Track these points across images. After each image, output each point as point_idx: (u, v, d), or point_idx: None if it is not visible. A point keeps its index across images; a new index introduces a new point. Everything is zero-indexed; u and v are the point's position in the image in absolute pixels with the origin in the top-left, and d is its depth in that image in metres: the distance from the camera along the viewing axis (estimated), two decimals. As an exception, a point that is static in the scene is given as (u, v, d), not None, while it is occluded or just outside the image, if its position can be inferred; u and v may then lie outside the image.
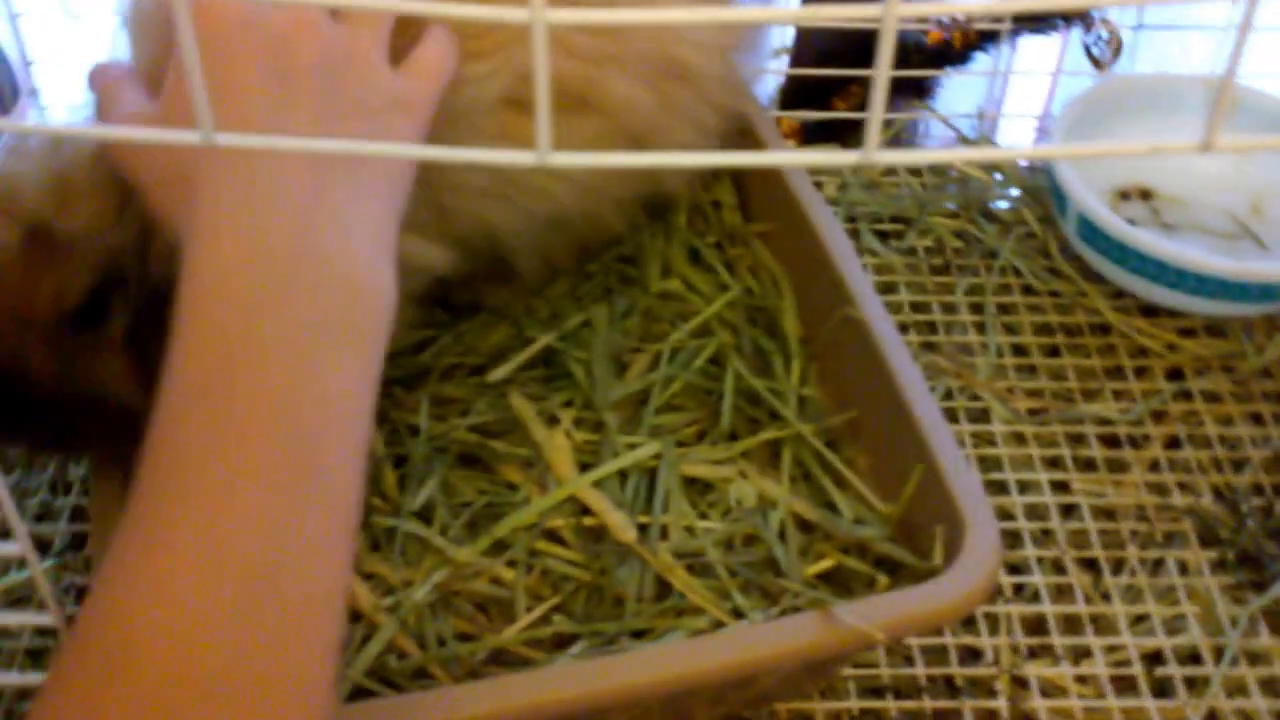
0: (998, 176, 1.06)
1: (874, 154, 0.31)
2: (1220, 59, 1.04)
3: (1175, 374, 0.93)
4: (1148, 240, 0.88)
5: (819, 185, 1.07)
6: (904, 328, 0.95)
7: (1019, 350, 0.95)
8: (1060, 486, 0.86)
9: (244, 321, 0.48)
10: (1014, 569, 0.82)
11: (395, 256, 0.55)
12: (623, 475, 0.77)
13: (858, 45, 1.10)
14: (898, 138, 1.11)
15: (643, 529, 0.74)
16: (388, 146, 0.59)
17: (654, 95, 0.75)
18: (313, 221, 0.51)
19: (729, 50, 0.81)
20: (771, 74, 1.13)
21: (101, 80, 0.63)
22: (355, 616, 0.71)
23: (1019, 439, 0.89)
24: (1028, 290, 0.99)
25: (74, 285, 0.61)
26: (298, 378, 0.48)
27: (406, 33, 0.63)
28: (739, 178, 0.90)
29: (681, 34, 0.78)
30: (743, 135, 0.88)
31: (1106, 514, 0.85)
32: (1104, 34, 1.06)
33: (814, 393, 0.81)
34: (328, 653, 0.47)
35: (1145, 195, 1.01)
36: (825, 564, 0.71)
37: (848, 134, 1.12)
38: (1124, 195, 1.02)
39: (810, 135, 1.15)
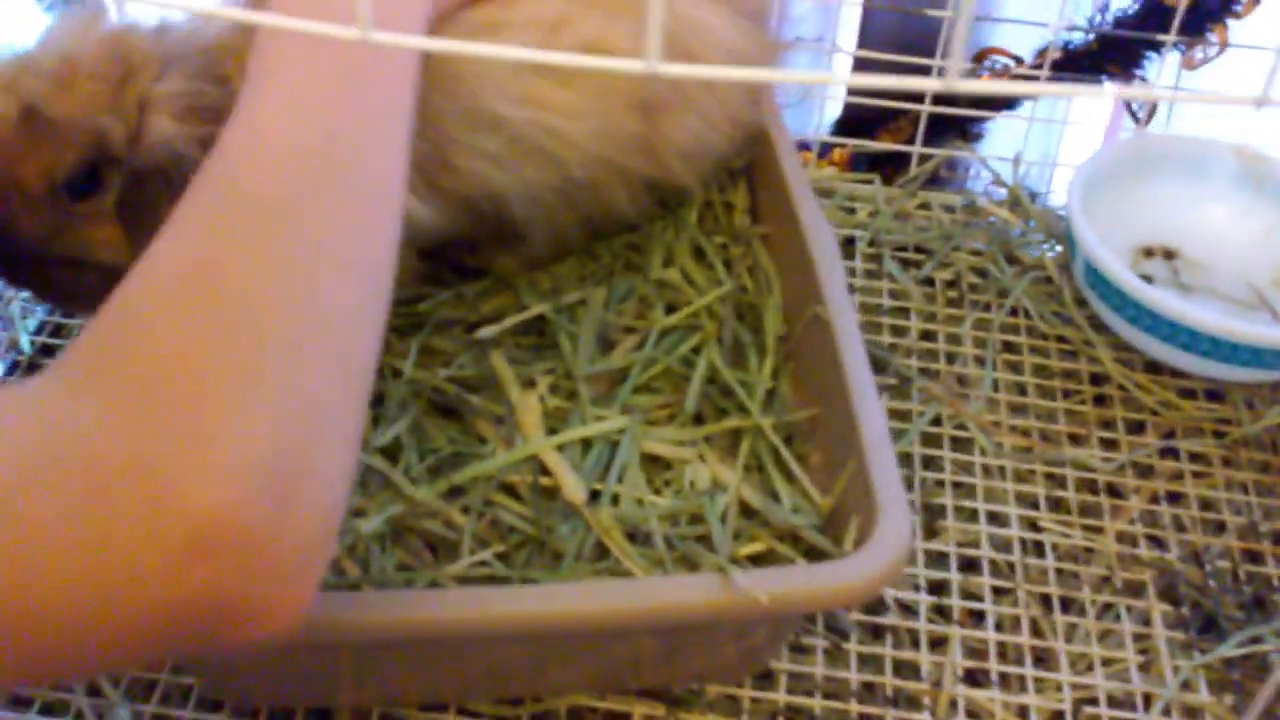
0: (1034, 228, 1.08)
1: (657, 65, 0.35)
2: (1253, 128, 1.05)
3: (1168, 433, 0.94)
4: (1145, 291, 0.90)
5: (851, 210, 1.11)
6: (907, 353, 0.98)
7: (1015, 388, 0.97)
8: (1030, 524, 0.88)
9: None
10: (968, 595, 0.84)
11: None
12: (587, 444, 0.81)
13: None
14: (936, 174, 1.14)
15: (595, 495, 0.78)
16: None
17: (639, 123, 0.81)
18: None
19: (747, 54, 0.85)
20: (823, 100, 1.16)
21: None
22: (309, 536, 0.76)
23: (998, 473, 0.91)
24: (1034, 332, 1.00)
25: (62, 161, 0.69)
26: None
27: None
28: (752, 182, 0.94)
29: (704, 38, 0.82)
30: (758, 143, 0.92)
31: (1070, 555, 0.86)
32: (1144, 91, 1.08)
33: (784, 389, 0.84)
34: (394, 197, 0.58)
35: (1169, 255, 1.02)
36: (756, 547, 0.74)
37: (892, 167, 1.15)
38: (1148, 253, 1.03)
39: (857, 164, 1.19)
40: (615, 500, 0.78)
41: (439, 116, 0.77)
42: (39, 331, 1.00)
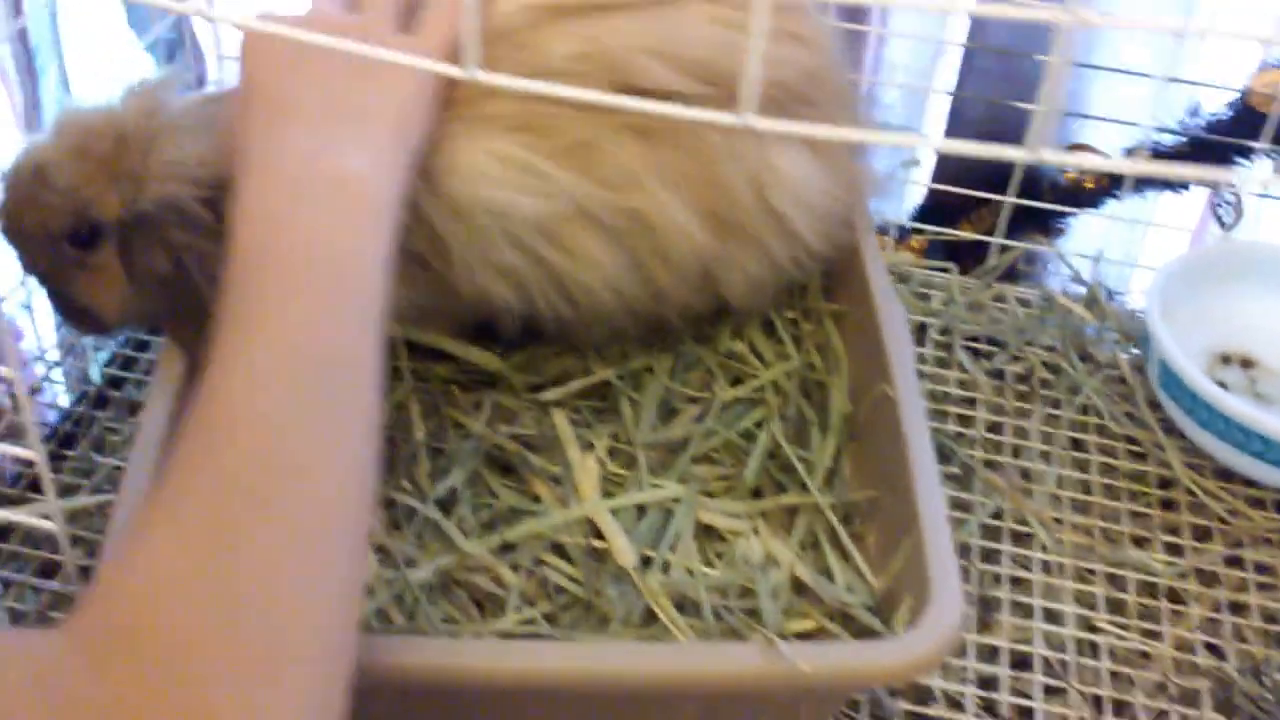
0: (1110, 327, 1.11)
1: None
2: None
3: (1235, 542, 0.95)
4: (1220, 397, 0.92)
5: (925, 297, 1.13)
6: (972, 444, 1.00)
7: (1080, 486, 0.98)
8: (1086, 624, 0.89)
9: (268, 222, 0.69)
10: (1019, 692, 0.86)
11: (400, 171, 0.74)
12: (642, 511, 0.84)
13: (996, 172, 1.16)
14: (1013, 268, 1.17)
15: (646, 562, 0.81)
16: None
17: (709, 235, 0.85)
18: (317, 150, 0.71)
19: (828, 204, 0.89)
20: (908, 185, 1.20)
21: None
22: (361, 581, 0.79)
23: (1057, 570, 0.92)
24: (1103, 431, 1.02)
25: (53, 221, 0.82)
26: (316, 239, 0.67)
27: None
28: (827, 260, 0.97)
29: (781, 184, 0.86)
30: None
31: (1126, 659, 0.88)
32: (1229, 197, 1.10)
33: (845, 469, 0.86)
34: (370, 430, 0.64)
35: (1246, 364, 1.04)
36: (806, 624, 0.77)
37: (969, 257, 1.18)
38: (1225, 359, 1.05)
39: (934, 253, 1.22)
40: (666, 568, 0.80)
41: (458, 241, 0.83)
42: (110, 364, 1.05)
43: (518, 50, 0.81)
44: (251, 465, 0.59)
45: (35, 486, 0.95)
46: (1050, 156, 0.43)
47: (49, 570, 0.90)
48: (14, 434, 0.99)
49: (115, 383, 1.04)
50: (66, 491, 0.95)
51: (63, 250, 0.83)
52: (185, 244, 0.80)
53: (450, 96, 0.80)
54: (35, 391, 1.02)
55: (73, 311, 0.87)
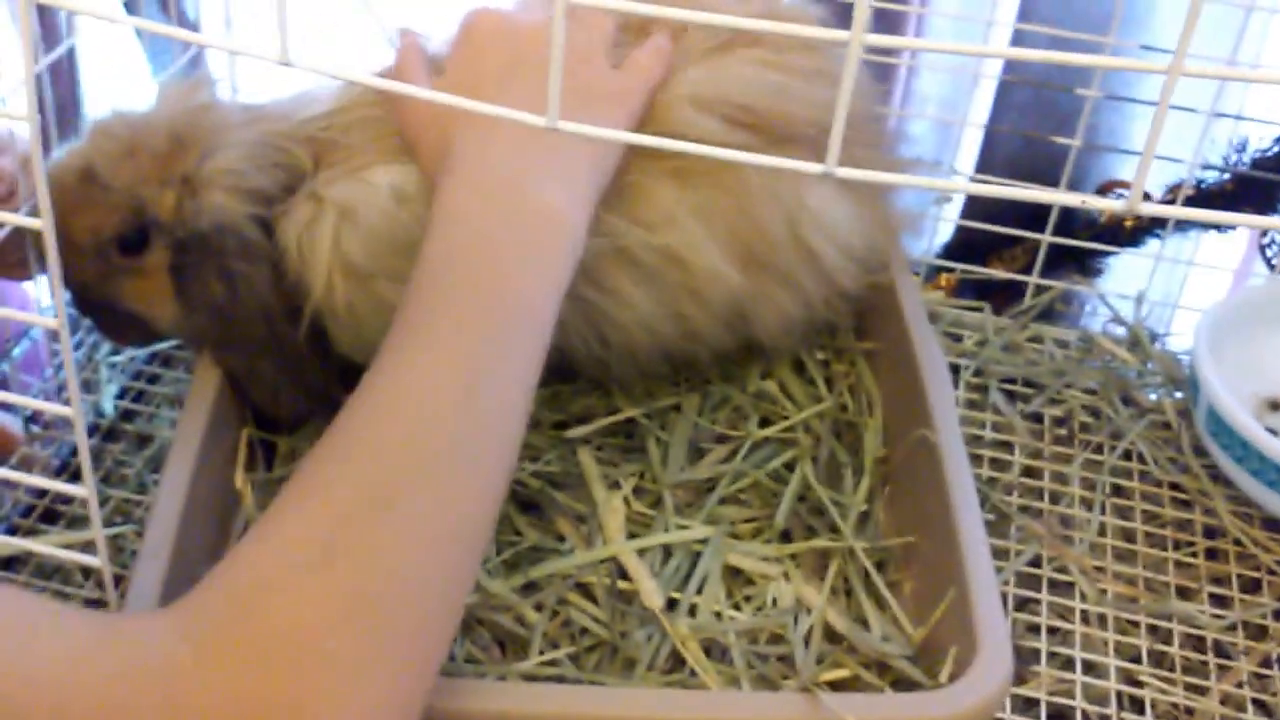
0: (1153, 370, 1.09)
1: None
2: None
3: (1285, 593, 0.93)
4: (1272, 444, 0.90)
5: (958, 338, 1.12)
6: (1007, 489, 0.99)
7: (1123, 535, 0.97)
8: (1129, 677, 0.88)
9: (466, 228, 0.71)
10: (1058, 747, 0.84)
11: (590, 209, 0.76)
12: (668, 552, 0.83)
13: (1028, 209, 1.16)
14: (1050, 307, 1.15)
15: (672, 604, 0.79)
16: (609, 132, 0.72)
17: (742, 274, 0.86)
18: (522, 174, 0.73)
19: (860, 243, 0.90)
20: (939, 221, 1.19)
21: (407, 44, 0.85)
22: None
23: (1098, 620, 0.91)
24: (1147, 478, 1.01)
25: (108, 222, 0.82)
26: (506, 270, 0.70)
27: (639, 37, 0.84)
28: (860, 299, 0.97)
29: (819, 226, 0.87)
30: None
31: (1170, 714, 0.86)
32: (1278, 236, 1.09)
33: (879, 513, 0.85)
34: (508, 462, 0.67)
35: (1295, 409, 1.03)
36: (841, 673, 0.75)
37: (1001, 296, 1.17)
38: (1274, 405, 1.03)
39: (966, 292, 1.21)
40: (693, 611, 0.79)
41: None
42: (121, 396, 1.04)
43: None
44: (389, 469, 0.62)
45: (48, 517, 0.94)
46: (1095, 202, 0.42)
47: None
48: (25, 466, 0.98)
49: (127, 416, 1.03)
50: (75, 524, 0.94)
51: (110, 256, 0.83)
52: (241, 272, 0.81)
53: None
54: (48, 426, 1.01)
55: (118, 323, 0.87)
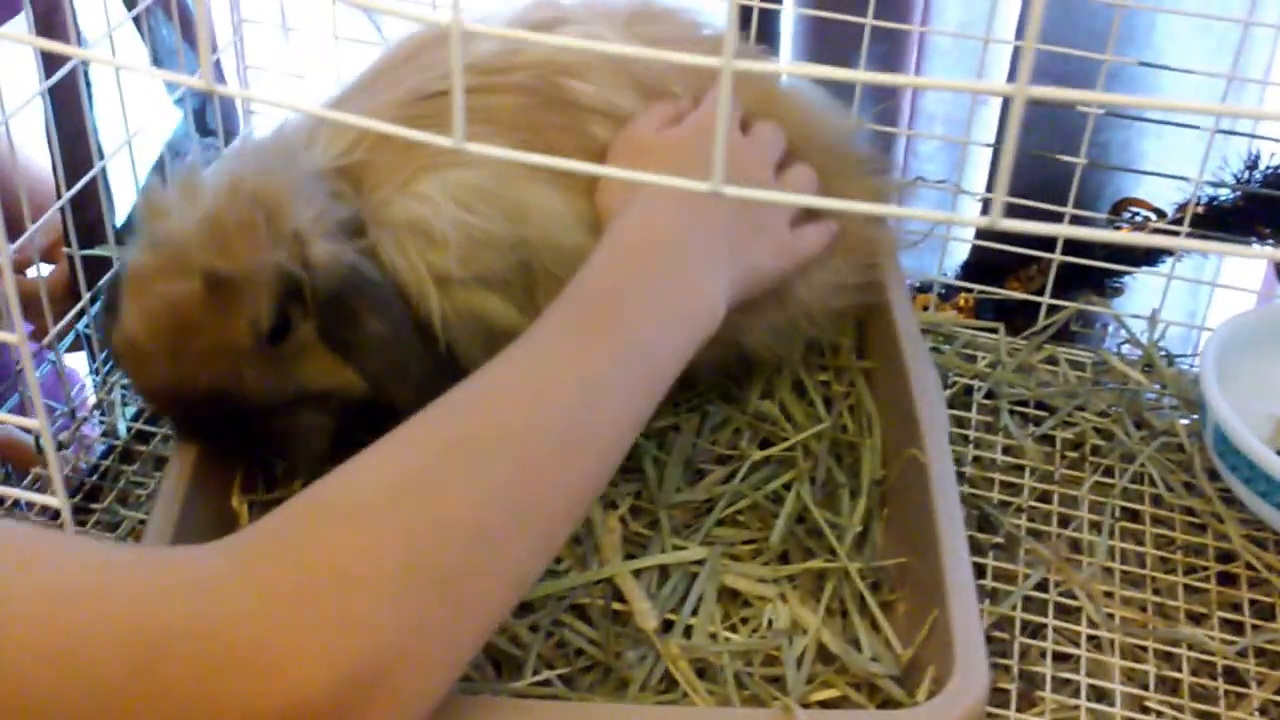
0: (1167, 392, 1.10)
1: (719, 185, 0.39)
2: None
3: (1299, 618, 0.93)
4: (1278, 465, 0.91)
5: (971, 358, 1.13)
6: (1018, 512, 0.99)
7: (1133, 559, 0.97)
8: (1137, 704, 0.88)
9: (624, 272, 0.76)
10: (1063, 773, 0.84)
11: (723, 307, 0.79)
12: (665, 573, 0.84)
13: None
14: (1066, 328, 1.16)
15: (668, 626, 0.81)
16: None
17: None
18: (685, 248, 0.79)
19: (837, 264, 0.94)
20: (953, 241, 1.20)
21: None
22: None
23: (1107, 646, 0.91)
24: (1158, 501, 1.01)
25: (262, 309, 0.77)
26: (647, 319, 0.74)
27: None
28: (861, 319, 0.98)
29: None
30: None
31: (1178, 741, 0.86)
32: (1293, 255, 1.09)
33: (876, 534, 0.86)
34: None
35: (1312, 430, 1.03)
36: (830, 693, 0.76)
37: (1020, 315, 1.18)
38: (1289, 427, 1.03)
39: (983, 313, 1.22)
40: (688, 632, 0.81)
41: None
42: (137, 418, 1.07)
43: (582, 122, 0.89)
44: (477, 437, 0.64)
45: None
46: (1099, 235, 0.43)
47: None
48: (40, 485, 1.01)
49: (142, 437, 1.06)
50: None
51: (270, 356, 0.78)
52: (385, 301, 0.80)
53: (532, 142, 0.84)
54: (63, 447, 1.04)
55: (296, 434, 0.83)
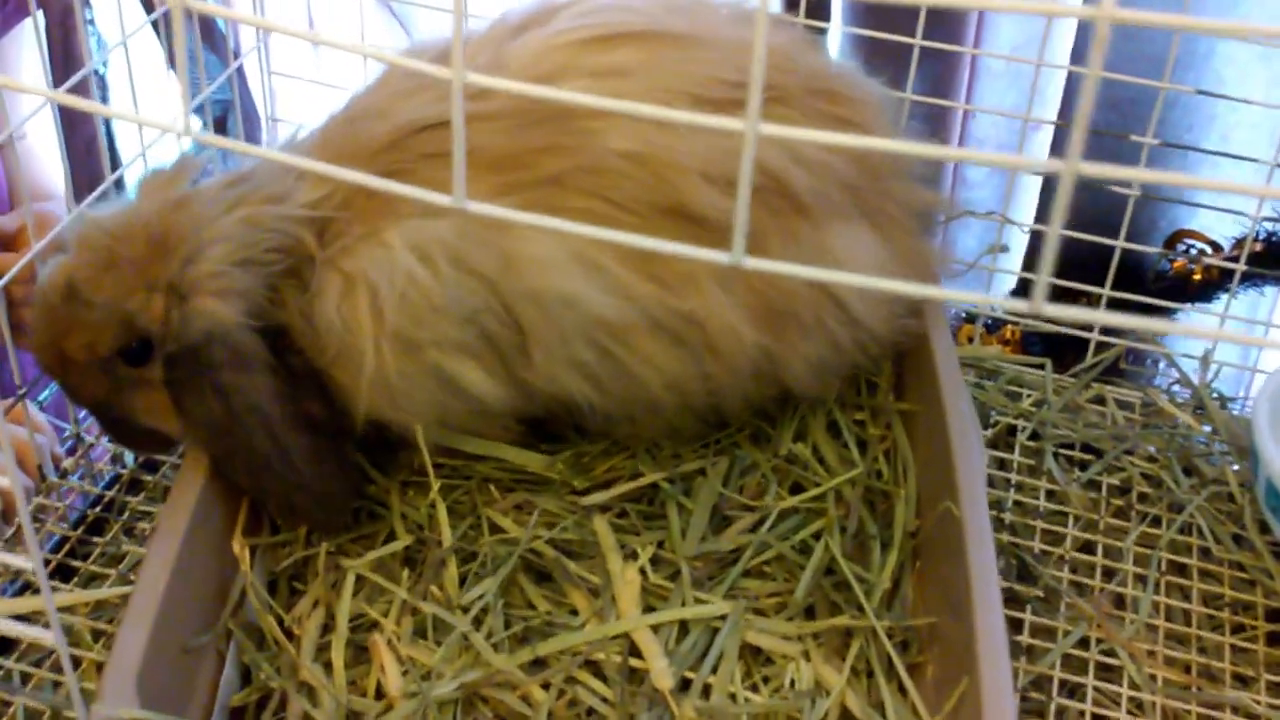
0: (1218, 437, 1.07)
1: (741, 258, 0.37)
2: None
3: (1354, 684, 0.90)
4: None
5: (1016, 395, 1.10)
6: (1059, 562, 0.97)
7: (1179, 616, 0.94)
8: (1179, 772, 0.85)
9: None
10: (1100, 846, 0.82)
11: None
12: (685, 628, 0.82)
13: (1096, 258, 1.13)
14: (1116, 365, 1.13)
15: (686, 684, 0.79)
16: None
17: (761, 331, 0.86)
18: None
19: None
20: (995, 271, 1.17)
21: None
22: (379, 695, 0.79)
23: (1149, 709, 0.88)
24: (1206, 555, 0.98)
25: (101, 339, 0.82)
26: None
27: None
28: (898, 359, 0.95)
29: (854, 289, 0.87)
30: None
31: (1223, 814, 0.83)
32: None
33: (908, 590, 0.84)
34: None
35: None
36: (853, 762, 0.74)
37: (1067, 351, 1.15)
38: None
39: (1029, 343, 1.19)
40: (707, 692, 0.78)
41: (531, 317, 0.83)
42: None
43: (576, 135, 0.82)
44: None
45: (62, 572, 0.95)
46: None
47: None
48: (40, 518, 1.00)
49: (150, 466, 1.04)
50: (91, 581, 0.95)
51: (115, 371, 0.83)
52: (236, 384, 0.80)
53: (517, 180, 0.81)
54: (64, 475, 1.03)
55: (136, 435, 0.88)
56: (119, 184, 1.04)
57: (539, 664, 0.80)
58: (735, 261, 0.42)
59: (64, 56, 0.92)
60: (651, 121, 0.82)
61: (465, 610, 0.82)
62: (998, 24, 1.18)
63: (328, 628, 0.83)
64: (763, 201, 0.83)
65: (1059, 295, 1.18)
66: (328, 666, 0.81)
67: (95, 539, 0.99)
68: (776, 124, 0.84)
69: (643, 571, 0.85)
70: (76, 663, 0.88)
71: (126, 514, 1.00)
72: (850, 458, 0.92)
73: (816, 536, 0.87)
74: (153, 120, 0.47)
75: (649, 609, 0.83)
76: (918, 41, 1.06)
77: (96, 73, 1.02)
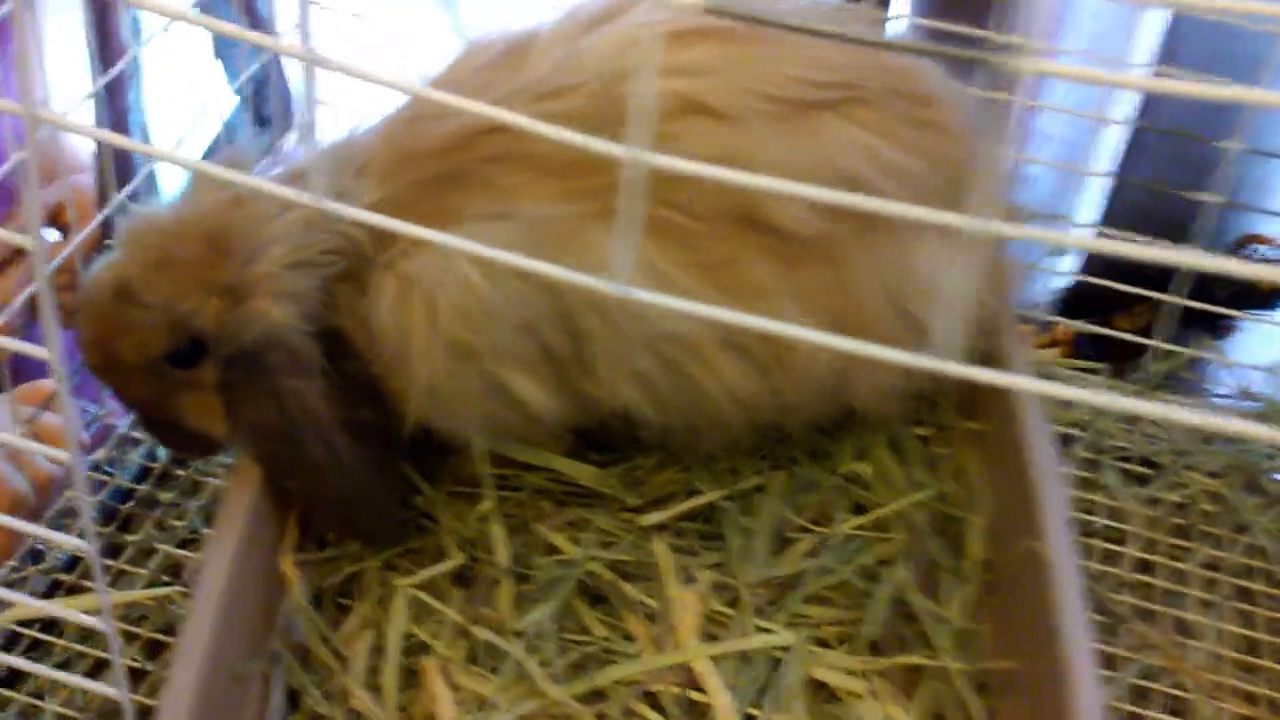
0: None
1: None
2: None
3: None
4: None
5: (1069, 404, 1.06)
6: (1118, 584, 0.93)
7: (1245, 645, 0.91)
8: (1246, 811, 0.82)
9: None
10: None
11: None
12: (746, 658, 0.78)
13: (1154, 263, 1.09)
14: (1176, 373, 1.09)
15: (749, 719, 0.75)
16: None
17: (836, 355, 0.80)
18: None
19: (968, 303, 0.84)
20: (1054, 275, 1.13)
21: None
22: (431, 724, 0.75)
23: (1216, 744, 0.85)
24: (1272, 579, 0.95)
25: (154, 340, 0.78)
26: None
27: None
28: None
29: (920, 286, 0.82)
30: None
31: None
32: None
33: (981, 627, 0.80)
34: None
35: None
36: (927, 816, 0.71)
37: (1123, 353, 1.11)
38: None
39: (1082, 348, 1.15)
40: (772, 730, 0.75)
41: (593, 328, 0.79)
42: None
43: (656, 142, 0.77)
44: None
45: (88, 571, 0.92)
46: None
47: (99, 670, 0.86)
48: (69, 513, 0.96)
49: (181, 460, 1.00)
50: (121, 579, 0.92)
51: (164, 372, 0.79)
52: (292, 389, 0.77)
53: (584, 186, 0.77)
54: (96, 468, 0.99)
55: (181, 438, 0.84)
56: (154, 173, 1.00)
57: (596, 696, 0.77)
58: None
59: (100, 43, 0.87)
60: (733, 127, 0.78)
61: (519, 635, 0.79)
62: (1077, 12, 1.13)
63: (375, 648, 0.79)
64: (842, 214, 0.78)
65: (1118, 297, 1.14)
66: (376, 690, 0.77)
67: (128, 537, 0.95)
68: (855, 127, 0.81)
69: (701, 598, 0.81)
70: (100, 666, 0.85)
71: (158, 510, 0.96)
72: (916, 478, 0.88)
73: (881, 563, 0.83)
74: (140, 147, 0.43)
75: (709, 636, 0.79)
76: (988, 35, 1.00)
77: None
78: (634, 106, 0.37)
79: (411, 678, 0.78)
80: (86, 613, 0.76)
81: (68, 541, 0.61)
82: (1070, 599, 0.72)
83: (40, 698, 0.84)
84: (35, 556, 0.92)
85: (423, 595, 0.81)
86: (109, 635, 0.66)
